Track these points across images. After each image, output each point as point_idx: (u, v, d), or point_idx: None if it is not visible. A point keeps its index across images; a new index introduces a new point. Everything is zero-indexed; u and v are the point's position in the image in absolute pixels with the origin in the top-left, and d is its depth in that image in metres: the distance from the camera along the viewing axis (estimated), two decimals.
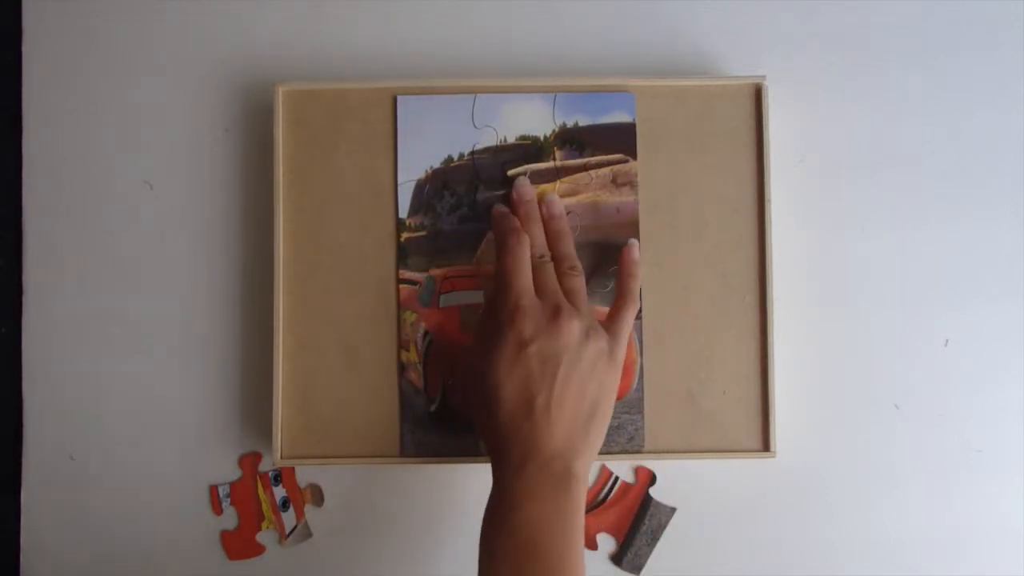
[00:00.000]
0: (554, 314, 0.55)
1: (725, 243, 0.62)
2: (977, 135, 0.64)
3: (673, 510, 0.63)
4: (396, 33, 0.65)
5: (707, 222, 0.62)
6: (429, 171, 0.62)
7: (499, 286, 0.57)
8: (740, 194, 0.62)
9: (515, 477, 0.53)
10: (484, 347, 0.56)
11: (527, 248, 0.57)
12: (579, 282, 0.58)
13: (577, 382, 0.54)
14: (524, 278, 0.56)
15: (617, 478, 0.63)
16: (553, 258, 0.58)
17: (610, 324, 0.58)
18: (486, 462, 0.56)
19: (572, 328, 0.54)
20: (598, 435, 0.55)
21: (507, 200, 0.61)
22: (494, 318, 0.56)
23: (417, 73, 0.64)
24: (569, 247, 0.59)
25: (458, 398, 0.61)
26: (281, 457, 0.61)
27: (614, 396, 0.56)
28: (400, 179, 0.62)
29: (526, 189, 0.61)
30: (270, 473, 0.63)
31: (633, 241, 0.61)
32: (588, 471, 0.55)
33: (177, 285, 0.64)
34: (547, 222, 0.60)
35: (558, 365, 0.54)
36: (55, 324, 0.64)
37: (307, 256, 0.62)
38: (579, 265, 0.59)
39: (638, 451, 0.61)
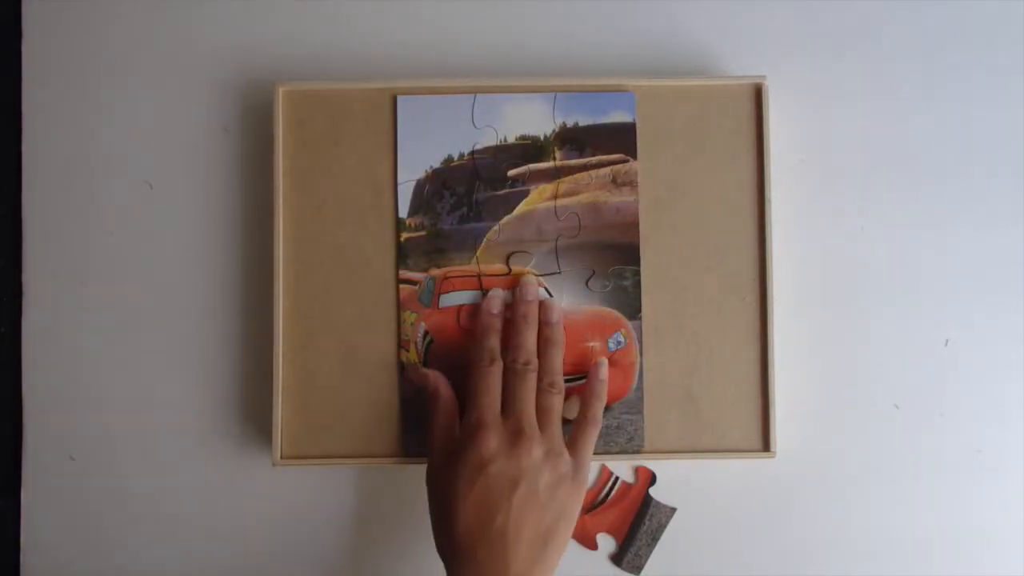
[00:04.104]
0: (515, 435, 0.55)
1: (725, 243, 0.62)
2: (977, 135, 0.64)
3: (673, 510, 0.63)
4: (396, 33, 0.65)
5: (707, 222, 0.62)
6: (429, 171, 0.62)
7: (467, 400, 0.57)
8: (740, 194, 0.62)
9: None
10: (444, 460, 0.56)
11: (499, 373, 0.57)
12: (555, 401, 0.57)
13: (535, 507, 0.53)
14: (491, 397, 0.56)
15: (617, 478, 0.63)
16: (539, 367, 0.58)
17: (572, 446, 0.57)
18: None
19: (532, 452, 0.54)
20: (554, 559, 0.54)
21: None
22: (454, 433, 0.56)
23: (417, 73, 0.64)
24: (556, 360, 0.58)
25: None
26: (281, 457, 0.61)
27: (574, 519, 0.55)
28: (400, 179, 0.62)
29: (530, 289, 0.60)
30: None
31: (603, 360, 0.60)
32: None
33: (177, 285, 0.64)
34: (542, 327, 0.59)
35: (516, 488, 0.53)
36: (55, 324, 0.64)
37: (307, 256, 0.62)
38: (560, 382, 0.57)
39: (638, 451, 0.61)
